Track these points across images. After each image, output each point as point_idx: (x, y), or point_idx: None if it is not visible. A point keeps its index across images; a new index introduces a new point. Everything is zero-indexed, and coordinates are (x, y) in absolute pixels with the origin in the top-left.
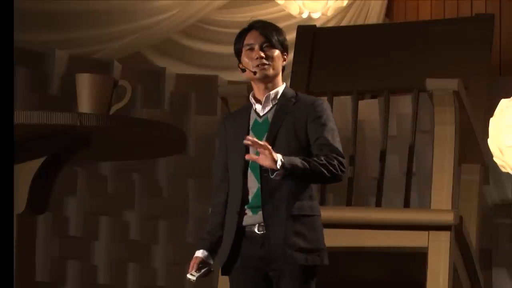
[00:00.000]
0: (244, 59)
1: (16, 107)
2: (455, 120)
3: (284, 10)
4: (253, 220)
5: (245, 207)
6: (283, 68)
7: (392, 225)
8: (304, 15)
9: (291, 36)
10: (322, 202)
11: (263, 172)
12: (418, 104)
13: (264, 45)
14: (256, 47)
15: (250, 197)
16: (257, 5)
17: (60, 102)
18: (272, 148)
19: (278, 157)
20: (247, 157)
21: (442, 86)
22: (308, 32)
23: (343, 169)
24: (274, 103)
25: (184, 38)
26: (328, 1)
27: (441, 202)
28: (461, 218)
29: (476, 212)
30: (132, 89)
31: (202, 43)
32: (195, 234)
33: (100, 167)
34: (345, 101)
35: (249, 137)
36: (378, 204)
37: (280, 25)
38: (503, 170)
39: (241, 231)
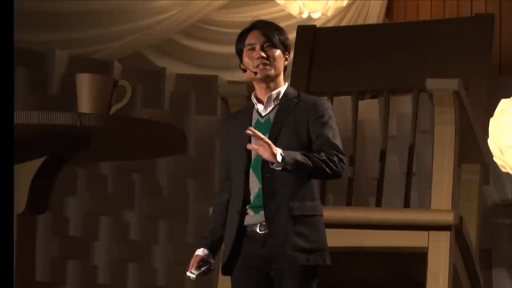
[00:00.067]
0: (245, 59)
1: (16, 107)
2: (455, 120)
3: (284, 10)
4: (254, 220)
5: (247, 207)
6: (285, 68)
7: (392, 225)
8: (304, 15)
9: (291, 36)
10: (322, 202)
11: (265, 173)
12: (418, 104)
13: (265, 45)
14: (257, 47)
15: (252, 197)
16: (257, 5)
17: (60, 102)
18: None
19: (278, 150)
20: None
21: (442, 86)
22: (308, 32)
23: (343, 165)
24: (276, 103)
25: (184, 38)
26: (328, 1)
27: (441, 202)
28: (461, 218)
29: (476, 212)
30: (132, 89)
31: (202, 43)
32: (195, 234)
33: (100, 167)
34: (345, 101)
35: (251, 128)
36: (378, 204)
37: (280, 25)
38: (503, 170)
39: (243, 231)
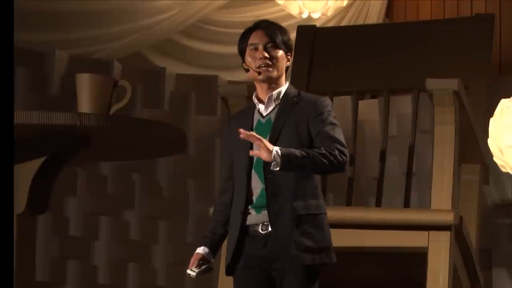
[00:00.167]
0: (248, 59)
1: (16, 107)
2: (455, 120)
3: (284, 10)
4: (256, 219)
5: (249, 207)
6: (286, 69)
7: (392, 225)
8: (304, 15)
9: (291, 36)
10: None
11: (267, 173)
12: (418, 104)
13: (268, 45)
14: (260, 47)
15: (254, 198)
16: (257, 5)
17: (60, 102)
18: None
19: (274, 148)
20: (251, 153)
21: (442, 86)
22: (308, 32)
23: (344, 158)
24: (276, 103)
25: (184, 38)
26: (328, 1)
27: (441, 202)
28: (461, 218)
29: (476, 212)
30: (132, 89)
31: (202, 43)
32: (195, 234)
33: (100, 167)
34: (345, 101)
35: (243, 131)
36: (378, 204)
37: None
38: (503, 170)
39: (245, 231)
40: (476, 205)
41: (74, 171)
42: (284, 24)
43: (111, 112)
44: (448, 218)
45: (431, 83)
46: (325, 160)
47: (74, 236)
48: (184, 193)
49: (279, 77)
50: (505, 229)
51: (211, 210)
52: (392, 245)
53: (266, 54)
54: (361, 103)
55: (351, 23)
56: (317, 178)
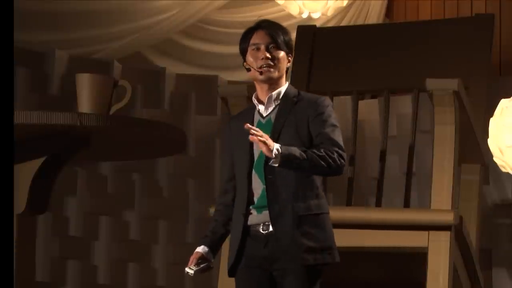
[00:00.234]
0: (249, 58)
1: (16, 107)
2: (455, 120)
3: (284, 10)
4: (258, 219)
5: (250, 207)
6: (287, 69)
7: (392, 225)
8: (304, 15)
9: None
10: None
11: (267, 174)
12: (418, 104)
13: (270, 45)
14: (262, 47)
15: (255, 198)
16: (257, 5)
17: (60, 102)
18: None
19: (275, 145)
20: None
21: (442, 86)
22: (308, 32)
23: (342, 162)
24: (276, 103)
25: (184, 38)
26: (328, 1)
27: (441, 202)
28: (461, 218)
29: (476, 212)
30: (132, 89)
31: (202, 43)
32: (195, 234)
33: (100, 167)
34: (345, 101)
35: (248, 125)
36: (378, 204)
37: None
38: (503, 170)
39: (246, 231)
40: (476, 205)
41: (74, 171)
42: (284, 24)
43: (111, 112)
44: (448, 218)
45: (431, 83)
46: (323, 163)
47: (74, 236)
48: (184, 193)
49: (279, 78)
50: (505, 229)
51: (211, 210)
52: (392, 245)
53: (268, 55)
54: (361, 103)
55: (351, 23)
56: (319, 178)
